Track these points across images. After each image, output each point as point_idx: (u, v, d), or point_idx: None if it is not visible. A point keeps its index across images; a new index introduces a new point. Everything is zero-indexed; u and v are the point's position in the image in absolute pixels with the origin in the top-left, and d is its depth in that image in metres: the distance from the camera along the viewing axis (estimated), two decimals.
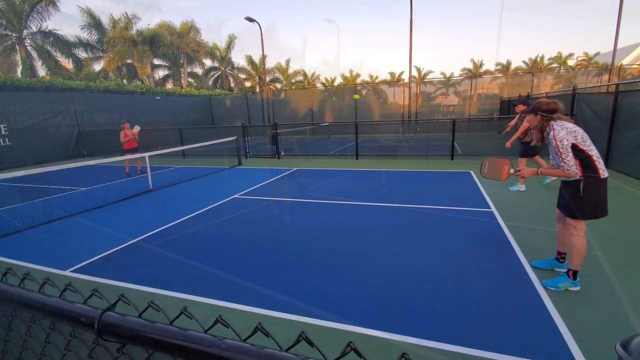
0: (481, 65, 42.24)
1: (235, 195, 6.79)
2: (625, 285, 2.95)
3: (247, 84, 37.63)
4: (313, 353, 0.52)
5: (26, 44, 21.18)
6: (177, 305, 2.89)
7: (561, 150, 2.69)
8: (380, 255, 3.76)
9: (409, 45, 18.71)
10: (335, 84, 47.27)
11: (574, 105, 7.97)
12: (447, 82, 23.18)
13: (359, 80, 46.15)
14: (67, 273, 3.66)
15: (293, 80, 42.53)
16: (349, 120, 19.31)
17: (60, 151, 14.34)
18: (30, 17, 20.36)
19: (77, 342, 0.80)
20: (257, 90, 34.27)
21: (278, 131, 12.33)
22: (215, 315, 0.61)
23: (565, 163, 2.68)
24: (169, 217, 5.48)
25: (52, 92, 14.56)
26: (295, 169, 9.73)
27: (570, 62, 38.48)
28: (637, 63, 24.79)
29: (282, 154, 12.36)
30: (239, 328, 0.58)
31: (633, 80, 11.24)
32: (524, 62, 40.32)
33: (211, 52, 31.56)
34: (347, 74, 46.73)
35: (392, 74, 48.66)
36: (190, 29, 27.34)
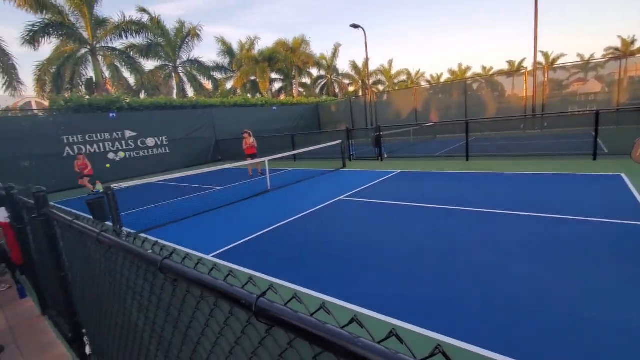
0: (633, 42, 33.21)
1: (341, 197, 7.08)
2: None
3: (351, 88, 38.62)
4: None
5: (179, 71, 26.64)
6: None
7: None
8: (500, 273, 3.36)
9: (533, 28, 16.14)
10: (442, 80, 44.15)
11: None
12: (586, 66, 18.77)
13: (469, 74, 42.05)
14: (209, 257, 4.47)
15: (396, 81, 41.62)
16: (458, 119, 17.72)
17: (202, 157, 17.61)
18: (181, 49, 25.55)
19: (232, 320, 0.98)
20: (360, 93, 34.79)
21: (381, 133, 12.29)
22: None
23: None
24: (285, 215, 6.10)
25: (198, 109, 18.08)
26: (399, 171, 9.52)
27: None
28: None
29: (386, 156, 12.24)
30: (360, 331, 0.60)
31: None
32: None
33: (318, 63, 33.59)
34: (456, 68, 43.16)
35: (510, 62, 42.74)
36: (301, 43, 29.72)
